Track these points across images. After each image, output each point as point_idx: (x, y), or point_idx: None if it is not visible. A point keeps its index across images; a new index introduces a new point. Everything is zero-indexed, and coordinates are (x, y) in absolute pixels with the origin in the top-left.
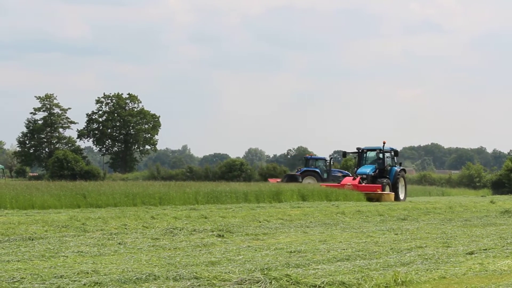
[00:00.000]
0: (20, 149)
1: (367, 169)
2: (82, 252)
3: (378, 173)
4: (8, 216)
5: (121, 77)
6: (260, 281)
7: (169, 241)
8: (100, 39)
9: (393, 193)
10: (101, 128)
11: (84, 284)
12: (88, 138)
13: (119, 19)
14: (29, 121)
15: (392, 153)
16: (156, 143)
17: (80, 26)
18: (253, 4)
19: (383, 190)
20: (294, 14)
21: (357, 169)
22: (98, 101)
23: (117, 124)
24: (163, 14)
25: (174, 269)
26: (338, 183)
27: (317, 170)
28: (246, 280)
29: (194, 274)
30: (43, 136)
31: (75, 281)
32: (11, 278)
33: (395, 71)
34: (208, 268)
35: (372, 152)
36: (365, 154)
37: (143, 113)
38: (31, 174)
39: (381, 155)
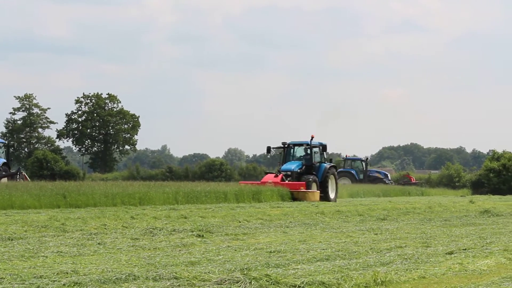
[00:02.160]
0: None
1: (292, 166)
2: (61, 252)
3: (305, 170)
4: None
5: (101, 77)
6: (240, 281)
7: (148, 241)
8: (81, 38)
9: (318, 191)
10: (80, 128)
11: (64, 284)
12: (68, 138)
13: (100, 18)
14: (8, 121)
15: (321, 148)
16: (136, 143)
17: (60, 26)
18: (236, 3)
19: (308, 188)
20: (277, 14)
21: (282, 165)
22: (77, 101)
23: (97, 124)
24: (145, 14)
25: (154, 269)
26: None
27: (352, 171)
28: (226, 280)
29: (174, 274)
30: (22, 136)
31: (54, 281)
32: None
33: (377, 71)
34: (187, 268)
35: (300, 147)
36: (292, 150)
37: (122, 113)
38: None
39: (308, 151)
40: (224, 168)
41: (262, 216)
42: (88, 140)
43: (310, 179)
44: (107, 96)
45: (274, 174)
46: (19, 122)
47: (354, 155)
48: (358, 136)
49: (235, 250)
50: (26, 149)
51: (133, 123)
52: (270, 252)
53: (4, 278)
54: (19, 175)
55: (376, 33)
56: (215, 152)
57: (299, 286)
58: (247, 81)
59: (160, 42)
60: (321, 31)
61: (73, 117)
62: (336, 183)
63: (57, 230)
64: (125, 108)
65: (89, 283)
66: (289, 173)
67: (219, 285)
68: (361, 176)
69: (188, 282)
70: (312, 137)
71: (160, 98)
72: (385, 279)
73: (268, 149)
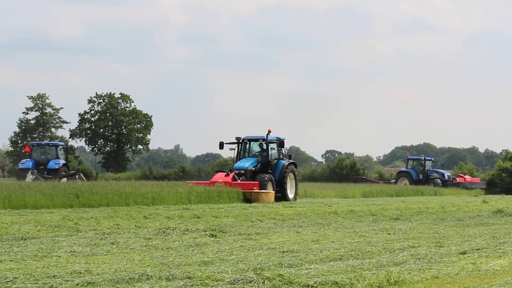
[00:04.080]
0: (12, 149)
1: (246, 163)
2: (74, 252)
3: (261, 167)
4: (1, 216)
5: (113, 77)
6: (253, 281)
7: (161, 241)
8: (93, 38)
9: (273, 192)
10: (93, 127)
11: (77, 284)
12: (80, 138)
13: (112, 18)
14: (21, 121)
15: (278, 143)
16: (149, 143)
17: (73, 25)
18: (246, 4)
19: (262, 188)
20: (287, 14)
21: (235, 162)
22: (90, 101)
23: (109, 123)
24: (156, 14)
25: (167, 269)
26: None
27: (412, 171)
28: (239, 280)
29: (187, 274)
30: (35, 135)
31: (68, 280)
32: (4, 278)
33: (388, 71)
34: (201, 268)
35: (256, 142)
36: (247, 145)
37: (135, 113)
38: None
39: (264, 146)
40: None
41: (275, 216)
42: (101, 140)
43: (266, 178)
44: (119, 95)
45: (225, 173)
46: (32, 121)
47: (422, 155)
48: (371, 136)
49: (248, 250)
50: None
51: (146, 122)
52: (283, 252)
53: (18, 278)
54: (78, 176)
55: (386, 33)
56: (228, 152)
57: (312, 286)
58: (258, 81)
59: (171, 42)
60: (331, 31)
61: (86, 117)
62: (296, 182)
63: (70, 229)
64: (137, 108)
65: (102, 283)
66: (242, 171)
67: (232, 285)
68: (421, 176)
69: (201, 282)
70: (269, 132)
71: (173, 97)
72: (398, 279)
73: (221, 144)
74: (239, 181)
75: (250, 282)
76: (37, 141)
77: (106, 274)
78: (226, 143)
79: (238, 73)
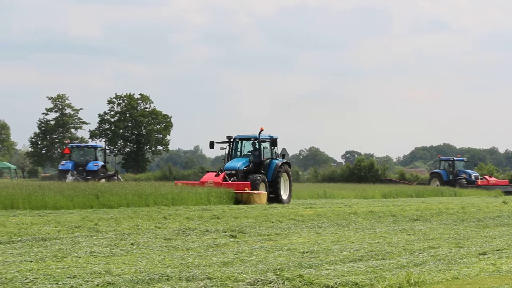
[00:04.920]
0: (32, 150)
1: (238, 163)
2: (94, 252)
3: (253, 167)
4: (21, 216)
5: (133, 78)
6: (273, 281)
7: (181, 241)
8: (112, 39)
9: (266, 193)
10: (113, 128)
11: (97, 285)
12: (100, 139)
13: (131, 19)
14: (41, 122)
15: (271, 142)
16: (168, 144)
17: (92, 26)
18: (265, 3)
19: (254, 188)
20: (306, 14)
21: (226, 162)
22: (110, 102)
23: (129, 124)
24: (176, 15)
25: (187, 270)
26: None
27: (442, 172)
28: (259, 281)
29: (207, 274)
30: (55, 136)
31: (88, 281)
32: (24, 278)
33: (406, 71)
34: (220, 268)
35: (248, 141)
36: (239, 144)
37: (155, 114)
38: (43, 174)
39: (257, 145)
40: None
41: (294, 217)
42: (121, 141)
43: (258, 179)
44: (139, 96)
45: (216, 173)
46: (52, 122)
47: (459, 156)
48: (391, 137)
49: (268, 251)
50: (59, 150)
51: (166, 123)
52: (303, 252)
53: (38, 278)
54: (116, 177)
55: (404, 33)
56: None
57: (332, 287)
58: (277, 81)
59: (190, 42)
60: (350, 31)
61: (105, 118)
62: (290, 182)
63: (90, 230)
64: (157, 109)
65: (122, 284)
66: (233, 171)
67: (252, 286)
68: (451, 177)
69: (221, 282)
70: (262, 130)
71: (192, 98)
72: (418, 280)
73: (211, 144)
74: (230, 181)
75: (270, 283)
76: (76, 143)
77: (126, 274)
78: (216, 143)
79: (257, 73)
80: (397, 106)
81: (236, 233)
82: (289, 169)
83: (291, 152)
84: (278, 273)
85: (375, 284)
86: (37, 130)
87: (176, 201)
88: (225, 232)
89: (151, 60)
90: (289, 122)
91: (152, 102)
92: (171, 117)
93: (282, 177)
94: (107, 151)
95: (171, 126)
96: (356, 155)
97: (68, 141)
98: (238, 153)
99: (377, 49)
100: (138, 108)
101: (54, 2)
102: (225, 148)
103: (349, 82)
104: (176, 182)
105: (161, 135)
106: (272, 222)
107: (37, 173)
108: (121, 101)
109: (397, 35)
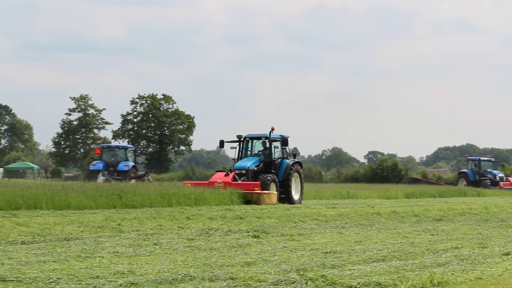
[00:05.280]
0: (55, 150)
1: (248, 163)
2: (117, 252)
3: (264, 167)
4: (44, 216)
5: (155, 78)
6: (296, 281)
7: (204, 241)
8: (135, 39)
9: (276, 193)
10: (135, 128)
11: (120, 285)
12: (123, 139)
13: (154, 19)
14: (64, 122)
15: (282, 141)
16: (191, 144)
17: (114, 27)
18: (286, 4)
19: (264, 188)
20: (327, 14)
21: (237, 162)
22: (132, 102)
23: (152, 124)
24: (198, 15)
25: (210, 270)
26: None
27: (469, 172)
28: (282, 281)
29: (230, 274)
30: (78, 136)
31: (111, 281)
32: (48, 278)
33: (429, 71)
34: (243, 268)
35: (258, 141)
36: (249, 144)
37: (177, 114)
38: (66, 174)
39: (267, 145)
40: None
41: (317, 217)
42: (144, 141)
43: (269, 178)
44: (162, 96)
45: (225, 173)
46: (74, 122)
47: (488, 157)
48: (414, 137)
49: (291, 251)
50: (82, 150)
51: (188, 123)
52: (326, 252)
53: (61, 278)
54: (147, 177)
55: (427, 33)
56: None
57: (355, 287)
58: (298, 81)
59: (212, 43)
60: (372, 31)
61: (128, 118)
62: (301, 182)
63: (113, 230)
64: (180, 109)
65: (145, 284)
66: (243, 171)
67: (275, 286)
68: (477, 177)
69: (244, 282)
70: (272, 129)
71: (214, 98)
72: (442, 280)
73: (221, 143)
74: (239, 181)
75: (293, 283)
76: (107, 143)
77: (149, 274)
78: (226, 142)
79: (278, 74)
80: (420, 106)
81: (259, 233)
82: (300, 169)
83: (314, 152)
84: (301, 273)
85: (398, 284)
86: (60, 131)
87: (199, 201)
88: (248, 232)
89: (174, 61)
90: (312, 122)
91: (175, 103)
92: (194, 117)
93: (293, 177)
94: (137, 151)
95: (194, 126)
96: (379, 156)
97: (99, 141)
98: (249, 152)
99: (398, 49)
100: (161, 108)
101: (78, 2)
102: (235, 148)
103: (371, 82)
104: (184, 182)
105: (184, 135)
106: (295, 222)
107: (60, 173)
108: (144, 102)
109: (418, 35)
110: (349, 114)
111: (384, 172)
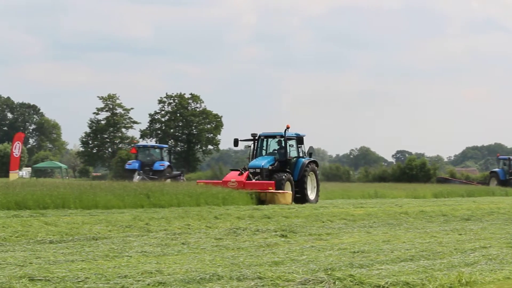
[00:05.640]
0: (83, 149)
1: (262, 162)
2: (145, 252)
3: (279, 166)
4: (72, 216)
5: (183, 77)
6: (323, 281)
7: (232, 241)
8: (163, 39)
9: (290, 192)
10: (163, 128)
11: (148, 284)
12: (151, 138)
13: (182, 19)
14: (92, 121)
15: (297, 140)
16: (219, 143)
17: (142, 26)
18: (316, 3)
19: (279, 188)
20: (357, 14)
21: (251, 161)
22: (160, 101)
23: (180, 124)
24: (226, 14)
25: (238, 269)
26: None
27: (499, 171)
28: (309, 280)
29: (258, 274)
30: (106, 136)
31: (139, 281)
32: (76, 277)
33: (458, 70)
34: (271, 268)
35: (273, 139)
36: (264, 142)
37: (205, 113)
38: (94, 174)
39: (282, 143)
40: None
41: (345, 216)
42: (171, 140)
43: (283, 178)
44: (190, 96)
45: (239, 172)
46: (102, 122)
47: (498, 154)
48: (442, 136)
49: (319, 250)
50: (109, 149)
51: (216, 123)
52: (354, 252)
53: (89, 278)
54: (182, 177)
55: (458, 32)
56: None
57: (383, 287)
58: (328, 80)
59: (241, 42)
60: (402, 30)
61: (156, 117)
62: (317, 182)
63: (141, 230)
64: (207, 108)
65: (173, 283)
66: (257, 170)
67: (303, 285)
68: (507, 177)
69: (272, 282)
70: (288, 127)
71: (242, 97)
72: (470, 280)
73: (236, 141)
74: (253, 180)
75: (321, 283)
76: (143, 143)
77: (177, 274)
78: (241, 140)
79: (307, 73)
80: (449, 105)
81: (287, 233)
82: (316, 168)
83: (342, 151)
84: (329, 272)
85: (426, 284)
86: (88, 130)
87: (227, 201)
88: (276, 231)
89: (202, 60)
90: (340, 122)
91: (203, 102)
92: (221, 116)
93: (309, 176)
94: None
95: (222, 126)
96: (406, 155)
97: (135, 141)
98: (264, 151)
99: (429, 48)
100: (189, 107)
101: (106, 2)
102: (250, 146)
103: (400, 81)
104: (198, 181)
105: (211, 135)
106: (323, 222)
107: (88, 172)
108: (171, 101)
109: (449, 34)
110: (378, 113)
111: (412, 171)
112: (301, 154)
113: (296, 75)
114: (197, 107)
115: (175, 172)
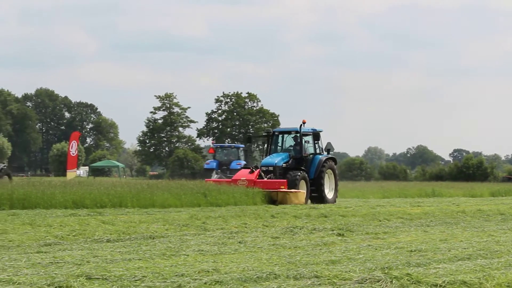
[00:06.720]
0: (140, 148)
1: (276, 159)
2: (202, 250)
3: (294, 163)
4: (129, 214)
5: (240, 76)
6: (380, 280)
7: (289, 240)
8: (220, 38)
9: (304, 192)
10: (220, 127)
11: (205, 283)
12: (208, 137)
13: (239, 18)
14: (149, 120)
15: (313, 136)
16: None
17: (199, 26)
18: (373, 2)
19: (293, 187)
20: (414, 12)
21: (264, 158)
22: (217, 100)
23: (237, 123)
24: (282, 13)
25: (295, 268)
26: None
27: None
28: (366, 279)
29: (315, 273)
30: (163, 135)
31: (196, 279)
32: (133, 276)
33: None
34: (328, 267)
35: (288, 135)
36: (279, 139)
37: (262, 112)
38: (151, 173)
39: (298, 140)
40: (363, 167)
41: (402, 215)
42: (228, 139)
43: (298, 176)
44: (246, 95)
45: (250, 170)
46: (159, 121)
47: None
48: (499, 134)
49: (376, 249)
50: (166, 148)
51: (273, 121)
52: (411, 251)
53: (146, 276)
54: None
55: None
56: (355, 150)
57: (440, 286)
58: (385, 80)
59: (298, 41)
60: (457, 29)
61: (213, 116)
62: (336, 180)
63: (198, 228)
64: (264, 107)
65: (230, 282)
66: (270, 168)
67: (360, 284)
68: None
69: (329, 281)
70: (304, 123)
71: (299, 96)
72: None
73: (249, 138)
74: (265, 179)
75: (378, 281)
76: (220, 143)
77: (234, 273)
78: (254, 137)
79: (365, 72)
80: (506, 103)
81: (344, 232)
82: (334, 165)
83: (399, 150)
84: (386, 271)
85: (484, 283)
86: (145, 129)
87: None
88: (333, 230)
89: (259, 59)
90: (397, 121)
91: (260, 101)
92: (278, 115)
93: (326, 174)
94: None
95: (279, 125)
96: (464, 154)
97: (213, 141)
98: (279, 148)
99: (486, 46)
100: (246, 106)
101: (164, 2)
102: (262, 144)
103: (458, 80)
104: (206, 180)
105: None
106: (380, 221)
107: (145, 171)
108: (228, 100)
109: (507, 33)
110: (434, 112)
111: (470, 170)
112: (318, 151)
113: (352, 73)
114: (254, 106)
115: None
